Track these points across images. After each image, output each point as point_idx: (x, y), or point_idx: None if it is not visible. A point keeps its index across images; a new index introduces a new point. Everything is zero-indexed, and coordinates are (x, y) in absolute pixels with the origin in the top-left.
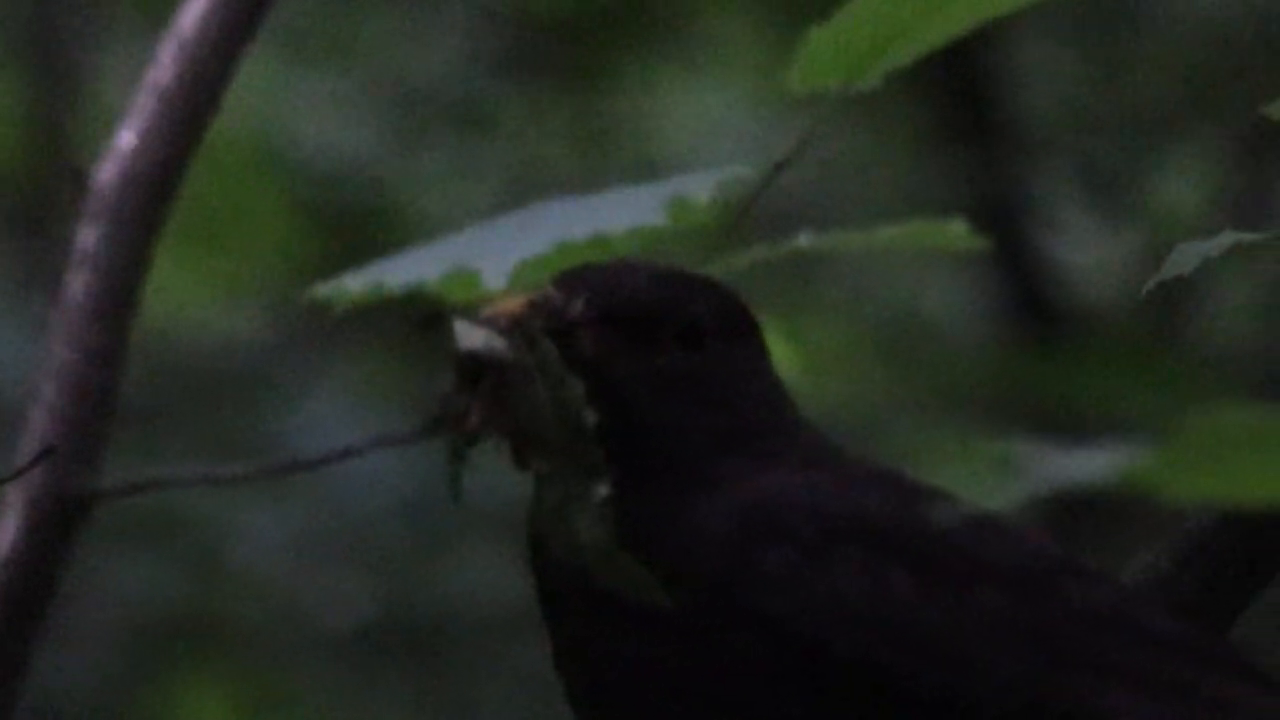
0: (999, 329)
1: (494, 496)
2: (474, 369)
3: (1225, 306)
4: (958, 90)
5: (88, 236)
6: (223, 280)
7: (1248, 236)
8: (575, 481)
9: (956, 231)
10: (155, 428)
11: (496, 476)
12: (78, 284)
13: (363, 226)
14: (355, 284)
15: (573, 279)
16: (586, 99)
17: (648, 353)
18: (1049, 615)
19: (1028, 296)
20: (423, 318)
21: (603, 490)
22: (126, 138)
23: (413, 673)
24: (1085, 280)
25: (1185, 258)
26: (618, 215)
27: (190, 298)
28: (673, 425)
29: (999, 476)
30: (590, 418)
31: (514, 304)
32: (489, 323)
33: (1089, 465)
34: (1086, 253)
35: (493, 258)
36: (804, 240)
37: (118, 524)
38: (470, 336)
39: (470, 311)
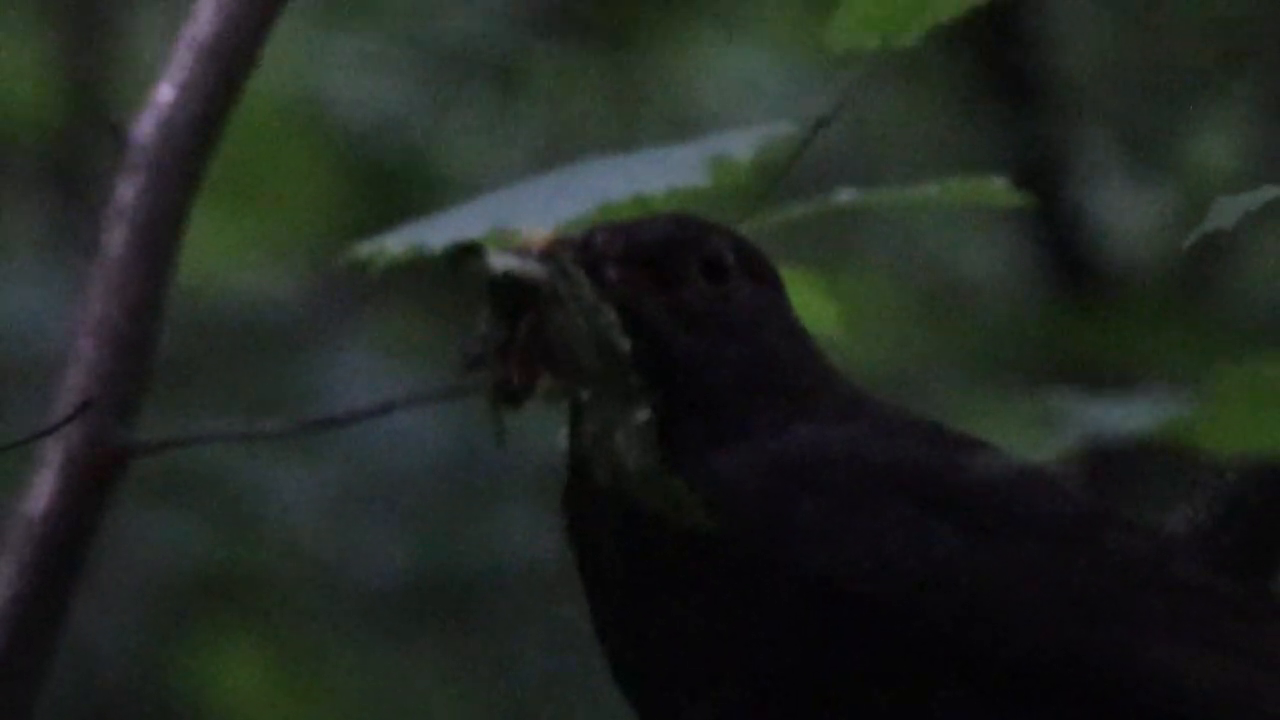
0: (1035, 287)
1: (527, 455)
2: (509, 299)
3: (1258, 263)
4: (995, 49)
5: (125, 190)
6: (256, 238)
7: None
8: (615, 408)
9: (998, 188)
10: (188, 385)
11: (530, 436)
12: (115, 238)
13: (397, 185)
14: (396, 244)
15: (596, 226)
16: (621, 57)
17: (674, 285)
18: (1088, 567)
19: (1064, 255)
20: (457, 249)
21: (643, 415)
22: (165, 91)
23: (447, 632)
24: (1121, 238)
25: (1227, 211)
26: (659, 174)
27: (222, 256)
28: (702, 355)
29: (1039, 430)
30: (625, 343)
31: (543, 238)
32: (521, 253)
33: (1129, 417)
34: (1122, 211)
35: (533, 217)
36: (845, 196)
37: (151, 481)
38: (505, 262)
39: (502, 245)
